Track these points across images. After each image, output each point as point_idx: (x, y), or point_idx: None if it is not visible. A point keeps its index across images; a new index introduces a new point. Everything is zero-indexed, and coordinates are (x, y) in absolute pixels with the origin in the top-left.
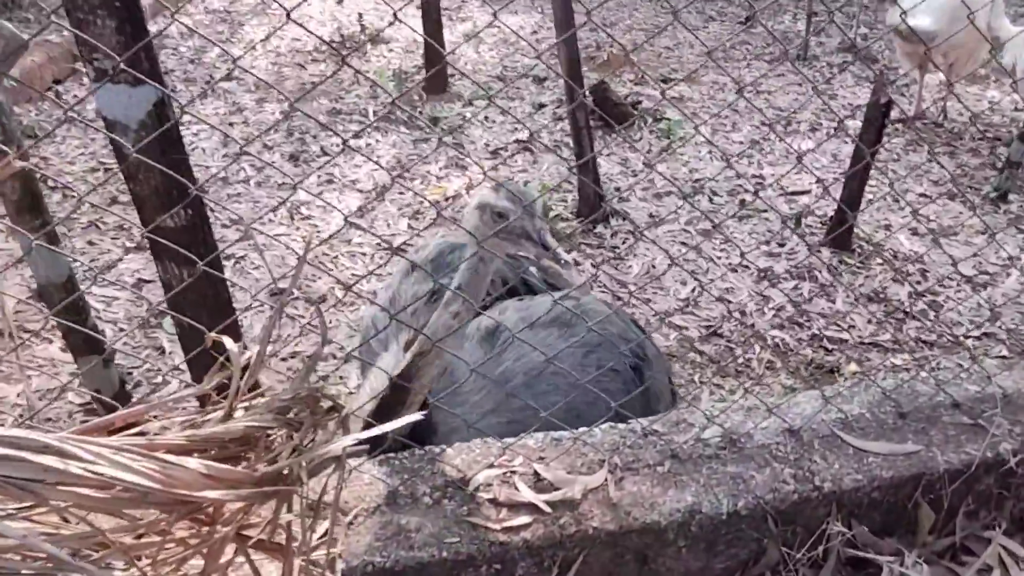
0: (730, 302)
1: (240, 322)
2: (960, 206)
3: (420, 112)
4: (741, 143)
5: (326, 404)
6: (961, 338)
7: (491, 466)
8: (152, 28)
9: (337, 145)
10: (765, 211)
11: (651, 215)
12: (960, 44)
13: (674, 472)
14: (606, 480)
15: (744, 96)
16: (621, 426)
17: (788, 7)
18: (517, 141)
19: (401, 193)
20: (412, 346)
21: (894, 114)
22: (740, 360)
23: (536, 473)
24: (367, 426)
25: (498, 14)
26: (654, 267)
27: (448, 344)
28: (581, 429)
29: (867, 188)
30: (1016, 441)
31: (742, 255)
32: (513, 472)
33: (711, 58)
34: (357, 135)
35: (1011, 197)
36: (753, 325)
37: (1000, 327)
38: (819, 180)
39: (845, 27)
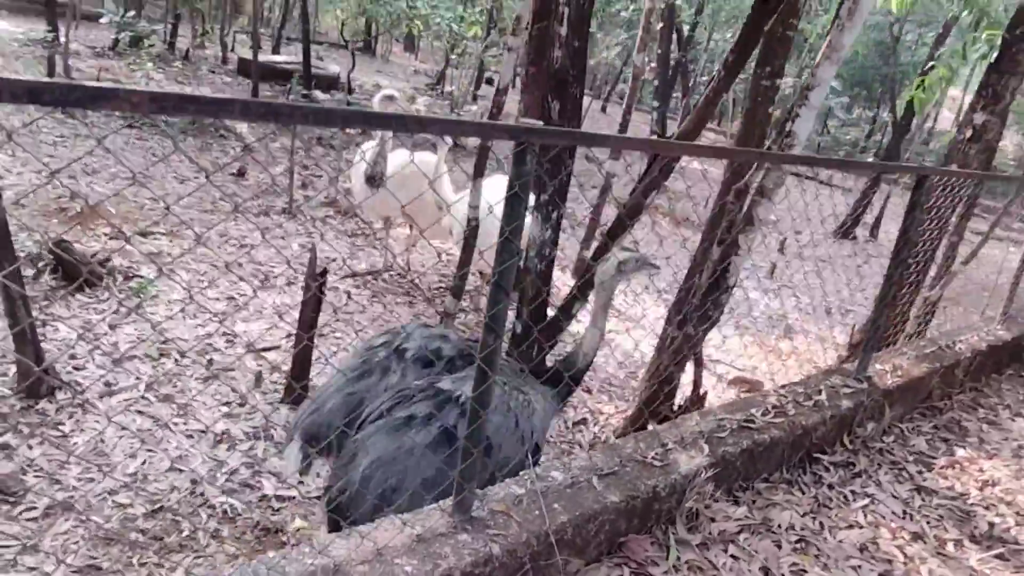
0: (182, 471)
1: None
2: None
3: None
4: (218, 299)
5: None
6: None
7: None
8: None
9: None
10: (232, 370)
11: (107, 383)
12: (418, 207)
13: None
14: None
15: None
16: None
17: (281, 160)
18: None
19: None
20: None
21: (364, 266)
22: (186, 533)
23: None
24: None
25: None
26: (103, 442)
27: None
28: None
29: (333, 341)
30: None
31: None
32: None
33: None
34: None
35: None
36: (203, 493)
37: None
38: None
39: (331, 181)
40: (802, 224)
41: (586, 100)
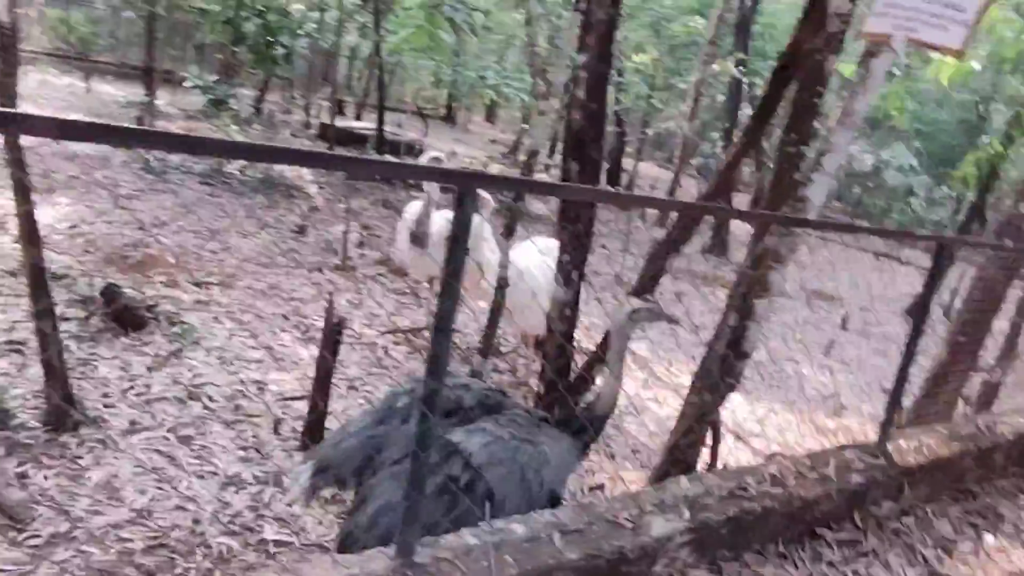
0: (187, 509)
1: None
2: None
3: None
4: (255, 348)
5: None
6: None
7: None
8: None
9: None
10: (257, 416)
11: (132, 422)
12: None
13: None
14: None
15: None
16: None
17: (346, 218)
18: (10, 342)
19: None
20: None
21: (408, 323)
22: (179, 571)
23: None
24: None
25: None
26: (116, 476)
27: None
28: None
29: (365, 393)
30: None
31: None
32: None
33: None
34: None
35: None
36: (203, 533)
37: None
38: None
39: (389, 241)
40: (870, 301)
41: (658, 170)
